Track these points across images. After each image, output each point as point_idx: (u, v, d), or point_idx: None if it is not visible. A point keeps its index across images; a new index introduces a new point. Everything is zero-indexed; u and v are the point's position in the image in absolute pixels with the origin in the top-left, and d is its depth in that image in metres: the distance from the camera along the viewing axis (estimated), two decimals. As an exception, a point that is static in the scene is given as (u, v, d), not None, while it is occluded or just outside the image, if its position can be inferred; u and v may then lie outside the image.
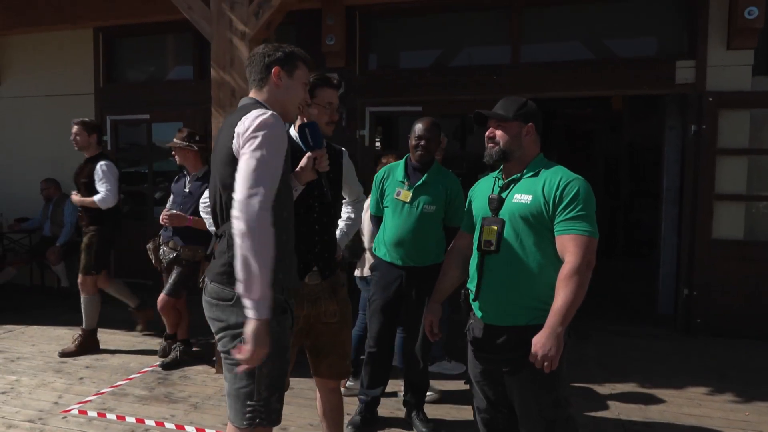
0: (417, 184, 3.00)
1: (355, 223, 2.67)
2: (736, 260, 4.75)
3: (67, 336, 4.84)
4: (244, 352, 1.64)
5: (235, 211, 1.62)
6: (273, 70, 1.90)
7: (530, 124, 2.04)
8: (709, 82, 4.81)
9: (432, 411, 3.22)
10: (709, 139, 4.76)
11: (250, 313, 1.61)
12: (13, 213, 6.67)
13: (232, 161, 1.73)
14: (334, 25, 5.44)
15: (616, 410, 3.34)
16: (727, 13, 4.72)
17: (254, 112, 1.74)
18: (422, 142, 3.00)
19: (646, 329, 5.04)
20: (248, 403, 1.76)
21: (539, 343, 1.80)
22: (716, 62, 4.80)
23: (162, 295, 4.09)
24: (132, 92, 6.44)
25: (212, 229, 2.25)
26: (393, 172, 3.14)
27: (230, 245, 1.71)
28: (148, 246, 4.31)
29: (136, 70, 6.74)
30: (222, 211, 1.82)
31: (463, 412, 3.27)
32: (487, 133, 2.08)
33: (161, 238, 4.21)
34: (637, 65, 5.02)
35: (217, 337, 1.83)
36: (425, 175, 3.02)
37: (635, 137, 9.22)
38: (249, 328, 1.62)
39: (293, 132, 2.32)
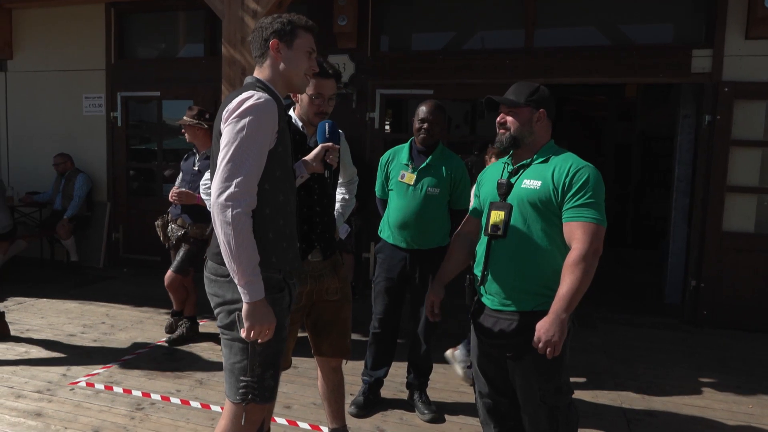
0: (421, 166, 3.00)
1: (349, 204, 2.64)
2: (746, 253, 4.71)
3: (77, 310, 4.91)
4: (244, 331, 1.69)
5: (212, 199, 1.65)
6: (271, 43, 1.84)
7: (542, 110, 2.01)
8: (726, 71, 4.73)
9: (434, 394, 3.24)
10: (723, 130, 4.69)
11: (242, 295, 1.67)
12: (24, 187, 6.73)
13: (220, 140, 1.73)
14: (346, 6, 5.38)
15: (619, 399, 3.35)
16: (746, 1, 4.62)
17: (244, 95, 1.71)
18: (425, 125, 2.99)
19: (653, 319, 5.03)
20: (242, 378, 1.77)
21: (543, 328, 1.81)
22: (734, 52, 4.71)
23: (169, 272, 4.12)
24: (143, 69, 6.43)
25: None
26: (398, 155, 3.14)
27: None
28: (156, 223, 4.34)
29: (148, 46, 6.72)
30: None
31: (465, 396, 3.30)
32: (498, 119, 2.06)
33: (170, 215, 4.24)
34: (652, 53, 4.94)
35: (215, 312, 1.85)
36: (429, 157, 3.01)
37: (648, 126, 9.12)
38: (243, 310, 1.68)
39: (294, 115, 2.29)
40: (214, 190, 1.66)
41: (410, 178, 3.00)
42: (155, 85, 6.30)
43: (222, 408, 3.03)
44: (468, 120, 9.21)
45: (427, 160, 3.00)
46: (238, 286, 1.68)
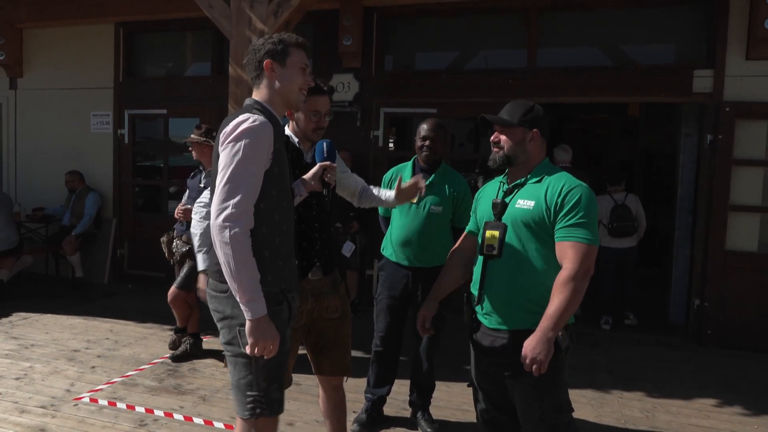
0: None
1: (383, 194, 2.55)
2: (750, 272, 4.71)
3: (81, 325, 4.92)
4: (248, 347, 1.74)
5: (212, 221, 1.71)
6: (265, 63, 1.88)
7: (535, 130, 2.03)
8: (727, 91, 4.77)
9: (437, 412, 3.23)
10: (725, 149, 4.72)
11: (245, 312, 1.72)
12: (32, 203, 6.79)
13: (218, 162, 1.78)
14: (351, 26, 5.47)
15: (623, 418, 3.33)
16: (746, 22, 4.68)
17: (239, 118, 1.75)
18: (427, 143, 3.01)
19: (657, 338, 5.00)
20: (248, 393, 1.79)
21: (529, 346, 1.82)
22: (735, 72, 4.76)
23: (173, 288, 4.14)
24: (150, 87, 6.53)
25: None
26: (401, 173, 3.15)
27: None
28: (161, 239, 4.37)
29: (155, 65, 6.83)
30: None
31: (468, 415, 3.28)
32: (492, 138, 2.08)
33: (175, 231, 4.27)
34: (654, 73, 4.99)
35: (219, 328, 1.88)
36: (432, 175, 3.03)
37: (651, 144, 9.14)
38: (246, 326, 1.73)
39: (289, 132, 2.33)
40: (213, 212, 1.71)
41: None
42: (162, 103, 6.38)
43: (225, 425, 3.03)
44: (471, 138, 9.27)
45: (430, 179, 3.02)
46: (240, 304, 1.72)
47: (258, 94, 1.92)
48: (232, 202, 1.68)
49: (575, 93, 5.19)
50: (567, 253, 1.85)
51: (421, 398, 3.14)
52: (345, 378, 2.46)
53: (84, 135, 6.75)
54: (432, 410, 3.18)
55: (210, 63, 6.39)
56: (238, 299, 1.72)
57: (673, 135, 6.34)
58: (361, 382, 3.29)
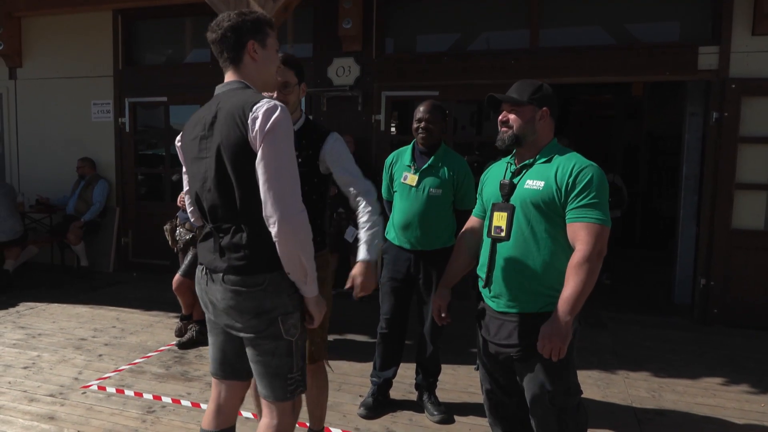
0: (423, 167, 3.00)
1: (375, 222, 2.16)
2: (756, 251, 4.68)
3: (87, 314, 4.95)
4: (315, 321, 1.85)
5: (277, 214, 1.65)
6: (248, 45, 1.80)
7: (545, 108, 2.00)
8: (733, 68, 4.70)
9: (443, 395, 3.24)
10: (731, 127, 4.66)
11: (308, 293, 1.80)
12: (34, 193, 6.79)
13: (249, 153, 1.68)
14: (351, 9, 5.40)
15: (629, 398, 3.34)
16: (753, -3, 4.60)
17: (265, 105, 1.67)
18: (422, 124, 2.98)
19: (662, 319, 5.00)
20: (289, 376, 1.83)
21: (546, 331, 1.80)
22: (741, 48, 4.69)
23: (177, 276, 4.15)
24: (150, 75, 6.48)
25: (196, 220, 2.03)
26: (401, 157, 3.14)
27: (254, 237, 1.73)
28: (165, 227, 4.37)
29: (155, 52, 6.77)
30: (238, 202, 1.73)
31: (474, 397, 3.29)
32: (500, 117, 2.04)
33: (178, 219, 4.27)
34: (659, 51, 4.92)
35: (244, 326, 1.78)
36: (431, 158, 3.00)
37: (655, 124, 9.07)
38: (311, 303, 1.82)
39: None
40: (276, 205, 1.64)
41: (413, 179, 3.00)
42: (162, 91, 6.35)
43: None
44: (474, 121, 9.21)
45: (429, 161, 2.99)
46: (306, 286, 1.78)
47: (238, 75, 1.82)
48: (293, 192, 1.68)
49: (579, 73, 5.13)
50: (579, 234, 1.83)
51: (426, 381, 3.15)
52: (327, 362, 2.45)
53: (85, 124, 6.73)
54: (438, 393, 3.19)
55: (209, 49, 6.31)
56: (306, 284, 1.77)
57: (679, 114, 6.28)
58: (368, 367, 3.30)
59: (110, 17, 6.50)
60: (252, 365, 1.86)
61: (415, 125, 3.01)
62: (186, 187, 2.06)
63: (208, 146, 1.78)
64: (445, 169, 2.98)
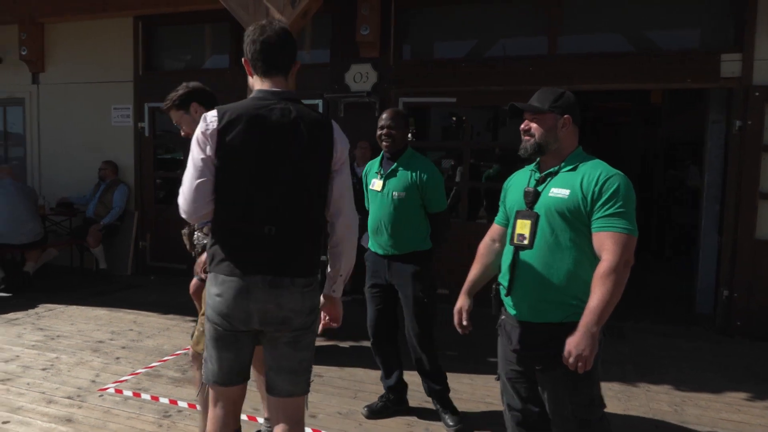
0: (387, 172, 3.05)
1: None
2: (780, 261, 4.58)
3: (105, 316, 4.99)
4: (339, 320, 2.09)
5: (349, 223, 1.95)
6: (296, 62, 1.95)
7: (567, 116, 1.98)
8: (757, 75, 4.62)
9: (461, 405, 3.19)
10: (754, 135, 4.58)
11: (339, 292, 2.02)
12: (55, 197, 6.88)
13: (329, 166, 1.91)
14: (369, 15, 5.41)
15: (651, 412, 3.27)
16: (778, 3, 4.52)
17: (341, 132, 1.94)
18: (385, 131, 3.02)
19: (683, 330, 4.91)
20: (310, 369, 1.98)
21: (573, 342, 1.76)
22: (764, 56, 4.61)
23: (194, 280, 4.16)
24: (169, 80, 6.48)
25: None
26: (373, 166, 3.19)
27: (316, 241, 1.93)
28: (182, 231, 4.38)
29: (174, 58, 6.85)
30: (310, 208, 1.88)
31: (492, 407, 3.25)
32: (522, 126, 2.03)
33: (196, 224, 4.29)
34: (679, 58, 4.86)
35: (300, 323, 1.87)
36: (394, 163, 3.04)
37: (674, 132, 8.95)
38: (339, 303, 2.06)
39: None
40: (354, 218, 1.96)
41: (378, 184, 3.07)
42: (181, 96, 6.39)
43: (248, 417, 3.04)
44: (490, 127, 9.17)
45: (392, 166, 3.04)
46: (341, 286, 2.01)
47: (284, 86, 1.90)
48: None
49: (597, 80, 5.08)
50: (606, 243, 1.79)
51: (431, 388, 3.10)
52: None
53: (105, 128, 6.82)
54: (456, 402, 3.15)
55: (228, 55, 6.39)
56: (343, 283, 2.00)
57: (697, 122, 6.18)
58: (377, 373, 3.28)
59: (131, 23, 6.60)
60: (284, 363, 1.90)
61: (378, 132, 3.06)
62: (202, 179, 1.80)
63: (288, 150, 1.82)
64: (409, 172, 2.99)
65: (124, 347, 4.22)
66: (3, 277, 5.81)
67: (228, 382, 1.91)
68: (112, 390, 3.44)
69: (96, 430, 2.95)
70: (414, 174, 2.97)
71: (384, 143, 3.05)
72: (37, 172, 7.22)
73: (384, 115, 3.06)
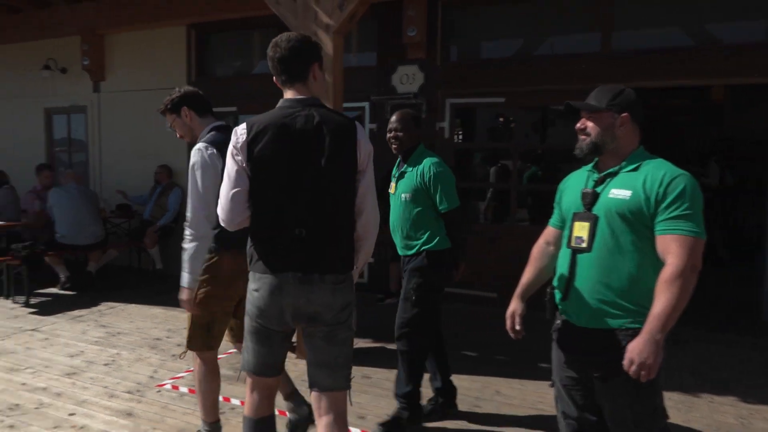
0: (398, 174, 3.08)
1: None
2: None
3: (162, 315, 5.19)
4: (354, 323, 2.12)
5: (369, 222, 2.05)
6: (314, 66, 1.99)
7: (625, 114, 1.89)
8: (830, 68, 4.34)
9: (510, 410, 3.15)
10: (828, 132, 4.30)
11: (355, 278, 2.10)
12: (115, 201, 7.20)
13: (355, 168, 1.98)
14: (415, 16, 5.41)
15: (715, 425, 3.10)
16: None
17: (365, 134, 2.01)
18: (392, 134, 3.05)
19: (748, 338, 4.64)
20: (348, 366, 2.05)
21: (636, 349, 1.68)
22: (840, 46, 4.32)
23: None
24: (221, 86, 6.74)
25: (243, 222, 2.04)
26: (395, 168, 3.21)
27: (348, 239, 2.02)
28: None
29: (225, 64, 7.05)
30: (340, 209, 1.98)
31: (544, 413, 3.17)
32: (577, 125, 1.96)
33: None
34: (742, 52, 4.61)
35: (332, 317, 1.97)
36: (405, 165, 3.06)
37: (737, 130, 8.51)
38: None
39: None
40: (377, 215, 2.07)
41: (393, 187, 3.10)
42: (232, 101, 6.57)
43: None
44: (538, 128, 8.98)
45: (403, 168, 3.06)
46: (354, 277, 2.08)
47: (306, 92, 2.00)
48: None
49: (656, 77, 4.89)
50: (671, 247, 1.71)
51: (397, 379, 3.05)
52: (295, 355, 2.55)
53: (161, 134, 7.06)
54: (506, 407, 3.09)
55: (278, 60, 6.52)
56: (357, 275, 2.10)
57: (763, 120, 5.85)
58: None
59: (184, 31, 6.84)
60: (320, 358, 2.01)
61: (387, 136, 3.09)
62: (236, 189, 1.93)
63: (311, 157, 1.92)
64: (414, 173, 2.99)
65: (179, 345, 4.36)
66: (68, 277, 6.11)
67: (260, 373, 2.10)
68: (168, 386, 3.56)
69: (155, 424, 3.05)
70: (418, 174, 2.98)
71: (393, 146, 3.08)
72: (98, 176, 7.58)
73: (392, 118, 3.10)
